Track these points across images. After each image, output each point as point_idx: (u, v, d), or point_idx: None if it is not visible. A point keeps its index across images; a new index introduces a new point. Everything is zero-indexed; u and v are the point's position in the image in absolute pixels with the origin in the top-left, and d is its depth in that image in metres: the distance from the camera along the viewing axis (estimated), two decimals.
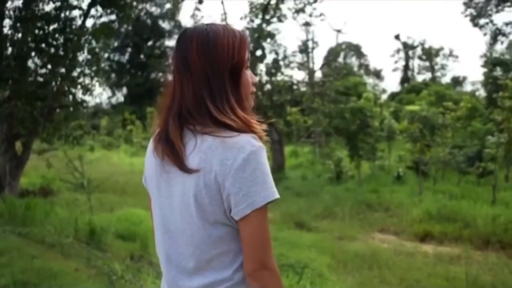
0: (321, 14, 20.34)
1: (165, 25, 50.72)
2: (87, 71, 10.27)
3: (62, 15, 9.76)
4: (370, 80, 59.17)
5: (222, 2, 20.06)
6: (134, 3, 10.57)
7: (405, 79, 57.26)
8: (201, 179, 1.33)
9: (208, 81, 1.39)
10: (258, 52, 19.25)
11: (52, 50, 9.82)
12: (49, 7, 9.74)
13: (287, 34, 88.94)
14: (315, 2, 19.78)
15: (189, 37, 1.43)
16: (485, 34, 30.88)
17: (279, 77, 20.56)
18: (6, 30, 9.67)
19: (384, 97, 49.48)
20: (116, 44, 47.12)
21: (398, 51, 60.26)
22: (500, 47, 31.28)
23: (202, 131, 1.37)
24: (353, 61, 61.81)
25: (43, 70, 10.12)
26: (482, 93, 35.57)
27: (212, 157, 1.32)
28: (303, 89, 23.36)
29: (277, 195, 1.36)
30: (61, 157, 15.15)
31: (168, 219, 1.46)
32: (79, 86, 10.23)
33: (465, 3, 30.23)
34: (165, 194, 1.46)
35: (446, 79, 56.96)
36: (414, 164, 16.51)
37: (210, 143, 1.34)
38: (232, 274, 1.37)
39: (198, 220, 1.36)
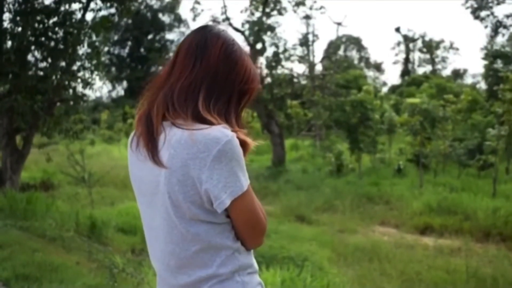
0: (321, 7, 20.33)
1: (165, 18, 50.71)
2: (87, 64, 10.24)
3: (62, 8, 9.72)
4: (370, 73, 59.18)
5: None
6: None
7: (405, 72, 57.11)
8: (173, 175, 1.30)
9: (214, 81, 1.37)
10: (258, 45, 19.22)
11: (52, 44, 9.79)
12: (48, 1, 9.73)
13: (287, 27, 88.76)
14: None
15: (217, 34, 1.42)
16: (486, 27, 30.69)
17: (279, 70, 20.56)
18: (6, 24, 9.65)
19: (385, 90, 49.53)
20: (116, 37, 47.09)
21: (398, 43, 60.11)
22: (501, 39, 31.19)
23: (173, 122, 1.33)
24: (354, 54, 61.72)
25: (43, 64, 10.10)
26: (482, 85, 35.54)
27: (182, 152, 1.29)
28: (303, 82, 23.37)
29: (248, 182, 1.35)
30: (62, 151, 15.18)
31: (149, 216, 1.45)
32: (79, 80, 10.21)
33: None
34: (143, 191, 1.44)
35: (446, 72, 56.93)
36: (415, 157, 16.52)
37: (179, 136, 1.30)
38: (216, 270, 1.35)
39: (175, 218, 1.34)
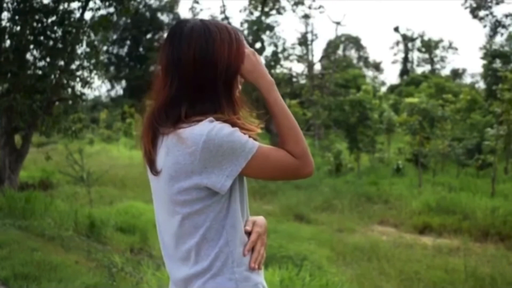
0: (320, 6, 20.36)
1: (164, 17, 50.59)
2: (86, 64, 10.23)
3: (61, 7, 9.71)
4: (369, 73, 59.13)
5: None
6: None
7: (404, 72, 57.12)
8: (167, 172, 1.36)
9: (195, 89, 1.37)
10: (257, 45, 19.22)
11: (51, 43, 9.79)
12: (47, 0, 9.72)
13: (286, 27, 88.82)
14: None
15: (187, 38, 1.38)
16: (484, 26, 30.73)
17: (278, 70, 20.57)
18: (4, 23, 9.64)
19: (384, 89, 49.48)
20: (115, 37, 47.00)
21: (397, 43, 60.09)
22: (499, 39, 31.18)
23: (167, 133, 1.37)
24: (353, 53, 61.66)
25: (42, 63, 10.08)
26: (481, 85, 35.54)
27: (174, 150, 1.34)
28: (302, 81, 23.40)
29: (253, 150, 1.35)
30: (61, 150, 15.16)
31: (157, 212, 1.51)
32: (78, 79, 10.20)
33: None
34: (152, 188, 1.50)
35: (445, 71, 56.91)
36: (414, 156, 16.54)
37: (171, 136, 1.35)
38: (210, 264, 1.38)
39: (173, 212, 1.39)
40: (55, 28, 9.74)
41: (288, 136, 1.43)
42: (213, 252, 1.38)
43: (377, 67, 62.67)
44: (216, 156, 1.31)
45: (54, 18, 9.68)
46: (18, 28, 9.54)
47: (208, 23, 1.42)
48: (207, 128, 1.31)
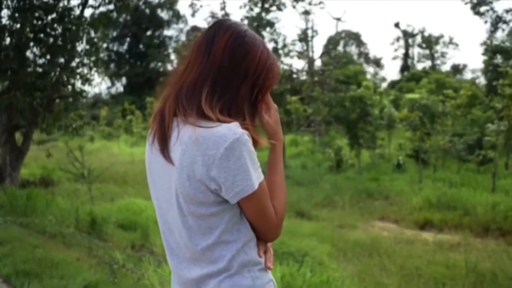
0: (320, 2, 20.27)
1: (164, 14, 50.62)
2: (86, 61, 10.25)
3: (60, 5, 9.72)
4: (370, 69, 59.22)
5: None
6: None
7: (405, 67, 57.16)
8: (184, 171, 1.32)
9: (219, 75, 1.36)
10: None
11: (51, 40, 9.79)
12: None
13: (287, 23, 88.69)
14: None
15: (226, 27, 1.40)
16: (485, 22, 30.74)
17: None
18: (4, 20, 9.67)
19: (384, 85, 49.61)
20: (114, 34, 47.04)
21: (398, 39, 60.15)
22: (500, 34, 31.13)
23: (185, 119, 1.35)
24: (353, 49, 61.71)
25: (42, 61, 10.10)
26: (482, 80, 35.56)
27: (193, 148, 1.30)
28: (302, 78, 23.37)
29: (261, 177, 1.36)
30: (61, 148, 15.17)
31: (164, 210, 1.46)
32: (78, 76, 10.21)
33: None
34: (158, 185, 1.46)
35: (446, 67, 56.99)
36: (414, 152, 16.52)
37: (190, 133, 1.31)
38: (227, 265, 1.37)
39: (186, 212, 1.36)
40: (55, 25, 9.75)
41: (277, 193, 1.44)
42: (230, 253, 1.37)
43: (377, 63, 62.71)
44: (232, 169, 1.29)
45: (54, 15, 9.69)
46: (18, 25, 9.55)
47: (253, 32, 1.44)
48: (231, 136, 1.28)
